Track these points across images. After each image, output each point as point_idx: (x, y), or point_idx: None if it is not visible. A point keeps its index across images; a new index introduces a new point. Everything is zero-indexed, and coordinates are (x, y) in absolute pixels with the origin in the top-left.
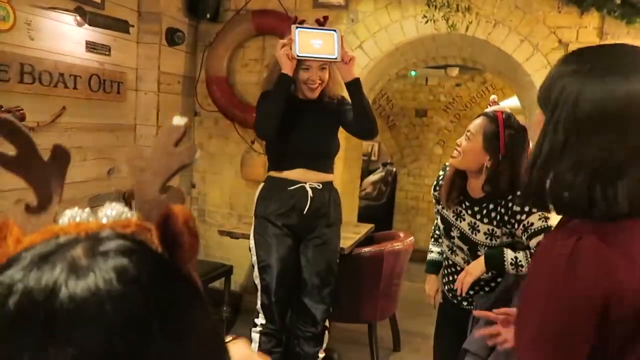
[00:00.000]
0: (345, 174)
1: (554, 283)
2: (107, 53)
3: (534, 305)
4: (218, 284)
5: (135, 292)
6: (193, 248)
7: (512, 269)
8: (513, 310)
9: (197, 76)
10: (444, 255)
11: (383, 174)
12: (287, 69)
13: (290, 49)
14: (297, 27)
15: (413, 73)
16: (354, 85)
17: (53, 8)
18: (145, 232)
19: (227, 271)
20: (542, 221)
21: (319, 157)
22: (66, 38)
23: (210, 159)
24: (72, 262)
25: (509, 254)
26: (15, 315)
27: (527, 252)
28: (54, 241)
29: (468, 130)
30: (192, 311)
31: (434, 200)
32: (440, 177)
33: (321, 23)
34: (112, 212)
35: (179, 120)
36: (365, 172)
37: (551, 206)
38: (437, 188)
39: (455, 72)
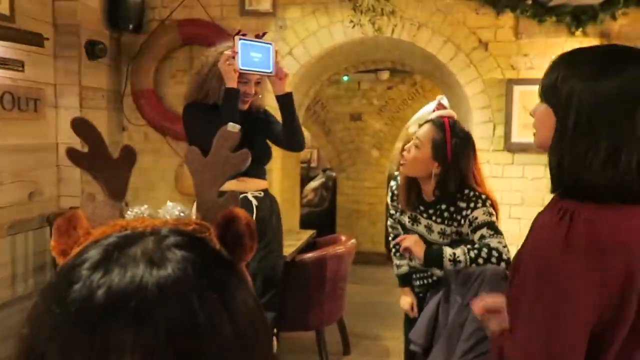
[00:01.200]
0: (285, 182)
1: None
2: (20, 69)
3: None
4: None
5: (207, 281)
6: (252, 249)
7: (451, 264)
8: (495, 300)
9: (123, 90)
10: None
11: (323, 179)
12: (232, 82)
13: (235, 61)
14: (240, 39)
15: (345, 78)
16: (287, 99)
17: None
18: (205, 230)
19: None
20: (486, 215)
21: (259, 164)
22: None
23: (142, 175)
24: (149, 254)
25: (447, 251)
26: (105, 305)
27: (466, 247)
28: (124, 234)
29: (417, 139)
30: (245, 295)
31: (392, 211)
32: (394, 187)
33: (260, 37)
34: (172, 210)
35: (232, 127)
36: (306, 179)
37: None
38: (395, 198)
39: (386, 75)
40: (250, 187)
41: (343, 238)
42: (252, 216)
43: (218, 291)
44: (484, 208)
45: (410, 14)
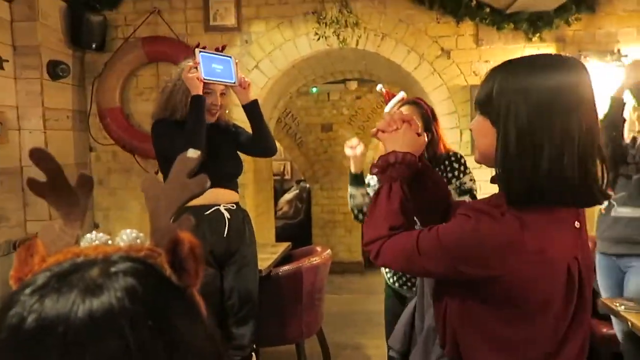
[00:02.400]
0: (258, 196)
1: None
2: None
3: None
4: None
5: (144, 309)
6: (197, 273)
7: None
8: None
9: (89, 109)
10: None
11: (297, 191)
12: (197, 90)
13: (197, 71)
14: (200, 51)
15: (314, 89)
16: (253, 106)
17: None
18: (156, 256)
19: None
20: (472, 182)
21: (229, 176)
22: None
23: (112, 195)
24: (88, 281)
25: None
26: (34, 331)
27: None
28: (73, 261)
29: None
30: (189, 322)
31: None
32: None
33: (219, 50)
34: (127, 237)
35: (192, 153)
36: (280, 191)
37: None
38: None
39: (354, 85)
40: (221, 200)
41: (319, 249)
42: (225, 228)
43: (155, 319)
44: (470, 174)
45: (373, 25)
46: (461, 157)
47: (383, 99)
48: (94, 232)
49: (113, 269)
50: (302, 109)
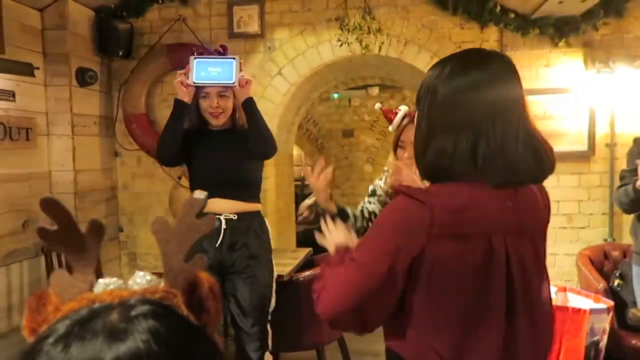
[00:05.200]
0: (279, 201)
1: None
2: (11, 98)
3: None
4: None
5: (169, 351)
6: (217, 312)
7: None
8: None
9: (115, 115)
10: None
11: None
12: (182, 95)
13: (187, 78)
14: (195, 58)
15: (336, 95)
16: (247, 103)
17: None
18: (172, 298)
19: None
20: None
21: (234, 185)
22: None
23: (136, 199)
24: (110, 326)
25: None
26: None
27: None
28: (90, 308)
29: (402, 142)
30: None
31: (377, 191)
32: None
33: (221, 52)
34: (141, 280)
35: (199, 194)
36: (301, 196)
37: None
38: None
39: (375, 91)
40: (227, 209)
41: None
42: (218, 239)
43: (182, 357)
44: None
45: (396, 31)
46: None
47: (384, 116)
48: (106, 277)
49: (133, 313)
50: (324, 114)
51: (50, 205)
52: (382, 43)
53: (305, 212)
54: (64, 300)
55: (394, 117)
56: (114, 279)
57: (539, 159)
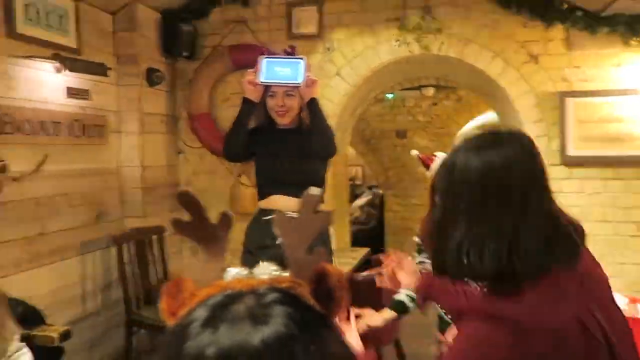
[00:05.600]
0: (334, 200)
1: None
2: (87, 97)
3: None
4: None
5: (306, 335)
6: (344, 302)
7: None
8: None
9: (179, 114)
10: None
11: (370, 197)
12: (249, 93)
13: (256, 77)
14: (264, 57)
15: (390, 96)
16: (311, 103)
17: (30, 57)
18: (297, 287)
19: None
20: None
21: (296, 184)
22: (45, 85)
23: (198, 195)
24: (252, 311)
25: None
26: None
27: None
28: (225, 294)
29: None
30: (338, 345)
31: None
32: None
33: (289, 53)
34: (267, 270)
35: (315, 191)
36: (351, 196)
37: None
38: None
39: (430, 91)
40: (290, 207)
41: None
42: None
43: (317, 344)
44: None
45: (456, 31)
46: None
47: (421, 162)
48: (235, 267)
49: (266, 299)
50: (377, 115)
51: (186, 199)
52: (442, 43)
53: (357, 212)
54: (198, 286)
55: (432, 163)
56: (242, 268)
57: (566, 237)
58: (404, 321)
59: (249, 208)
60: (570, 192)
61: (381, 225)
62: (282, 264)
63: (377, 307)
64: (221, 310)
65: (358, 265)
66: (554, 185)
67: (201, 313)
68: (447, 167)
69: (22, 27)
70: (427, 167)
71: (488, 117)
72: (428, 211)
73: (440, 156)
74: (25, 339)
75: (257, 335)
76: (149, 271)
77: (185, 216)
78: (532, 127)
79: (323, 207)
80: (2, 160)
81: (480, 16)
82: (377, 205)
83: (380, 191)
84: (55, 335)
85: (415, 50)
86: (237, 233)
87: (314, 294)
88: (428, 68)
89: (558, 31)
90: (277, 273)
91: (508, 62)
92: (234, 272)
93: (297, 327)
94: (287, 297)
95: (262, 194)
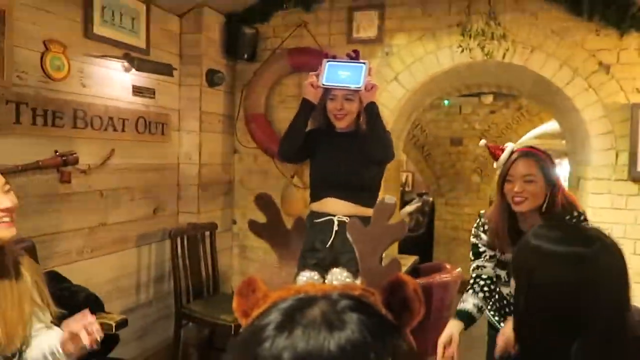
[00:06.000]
0: None
1: None
2: (152, 96)
3: None
4: None
5: (379, 343)
6: (420, 313)
7: None
8: None
9: (237, 114)
10: (491, 289)
11: (419, 204)
12: (309, 95)
13: (318, 79)
14: (327, 61)
15: (446, 102)
16: (369, 108)
17: (103, 56)
18: (370, 296)
19: None
20: None
21: (350, 188)
22: (115, 84)
23: (250, 194)
24: (326, 316)
25: None
26: None
27: None
28: (297, 298)
29: (529, 174)
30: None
31: (481, 249)
32: (482, 226)
33: (352, 57)
34: (340, 276)
35: (389, 199)
36: (400, 203)
37: None
38: (484, 236)
39: (489, 99)
40: (341, 211)
41: (448, 266)
42: (329, 239)
43: (392, 353)
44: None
45: (522, 38)
46: (584, 218)
47: (489, 152)
48: (307, 271)
49: (340, 306)
50: (432, 121)
51: (263, 201)
52: (507, 50)
53: (405, 219)
54: (271, 288)
55: (501, 154)
56: (314, 272)
57: None
58: None
59: (300, 210)
60: (638, 210)
61: (430, 233)
62: (328, 268)
63: (425, 314)
64: (296, 314)
65: (405, 273)
66: (621, 201)
67: (276, 316)
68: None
69: (98, 28)
70: (496, 158)
71: (549, 127)
72: (495, 205)
73: (510, 146)
74: (60, 319)
75: (333, 341)
76: (200, 267)
77: (261, 218)
78: (599, 140)
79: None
80: (74, 153)
81: (548, 23)
82: (427, 213)
83: (431, 199)
84: (113, 323)
85: (477, 57)
86: None
87: (387, 303)
88: (489, 75)
89: (633, 40)
90: (350, 280)
91: (576, 71)
92: (307, 276)
93: (371, 334)
94: (361, 305)
95: (315, 197)
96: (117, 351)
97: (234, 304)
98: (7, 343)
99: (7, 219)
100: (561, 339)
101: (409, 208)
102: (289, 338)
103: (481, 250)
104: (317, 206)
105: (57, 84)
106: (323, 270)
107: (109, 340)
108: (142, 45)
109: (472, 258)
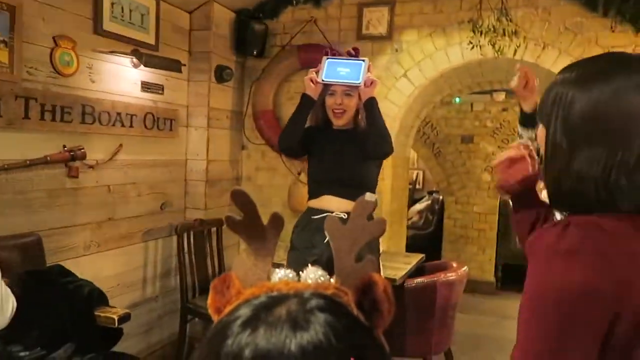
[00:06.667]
0: (393, 204)
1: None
2: (160, 92)
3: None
4: None
5: (345, 346)
6: (390, 314)
7: None
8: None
9: (245, 110)
10: None
11: (429, 202)
12: (309, 90)
13: (317, 75)
14: (327, 58)
15: (457, 99)
16: (369, 103)
17: (112, 52)
18: (343, 295)
19: None
20: None
21: (347, 185)
22: (123, 79)
23: (258, 191)
24: (292, 315)
25: None
26: None
27: None
28: (269, 295)
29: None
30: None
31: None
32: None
33: (352, 55)
34: (314, 274)
35: (370, 197)
36: (410, 200)
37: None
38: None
39: (501, 96)
40: (338, 208)
41: (454, 264)
42: (326, 236)
43: (357, 355)
44: None
45: (534, 34)
46: None
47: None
48: (282, 269)
49: (309, 305)
50: (443, 118)
51: (239, 197)
52: (518, 46)
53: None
54: (245, 285)
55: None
56: (289, 270)
57: None
58: (457, 330)
59: (306, 206)
60: None
61: (439, 232)
62: (327, 265)
63: (430, 313)
64: (263, 312)
65: (412, 271)
66: None
67: (244, 312)
68: (565, 99)
69: (107, 24)
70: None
71: None
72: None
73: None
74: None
75: (295, 341)
76: (206, 262)
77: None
78: None
79: (381, 210)
80: (82, 148)
81: (561, 19)
82: (436, 212)
83: (440, 197)
84: (115, 317)
85: (488, 54)
86: (290, 229)
87: (358, 304)
88: (500, 72)
89: None
90: (324, 278)
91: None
92: (281, 274)
93: (336, 336)
94: (330, 305)
95: (313, 193)
96: (122, 345)
97: (209, 300)
98: None
99: None
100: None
101: (418, 206)
102: (252, 335)
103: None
104: (315, 203)
105: (66, 80)
106: (323, 265)
107: (113, 335)
108: (152, 41)
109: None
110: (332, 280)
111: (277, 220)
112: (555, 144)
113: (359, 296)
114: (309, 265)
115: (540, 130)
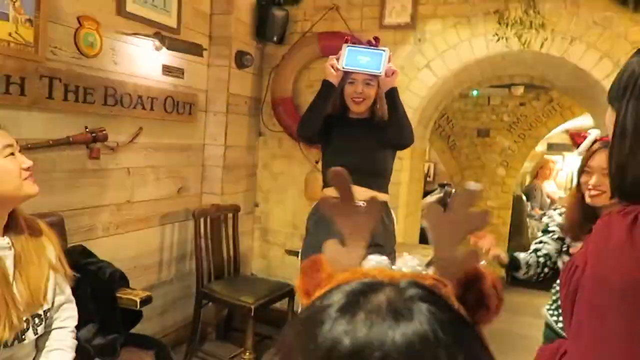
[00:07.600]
0: (409, 195)
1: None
2: (181, 76)
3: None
4: (280, 304)
5: (454, 340)
6: (497, 312)
7: None
8: None
9: (263, 97)
10: (544, 265)
11: (441, 195)
12: (331, 77)
13: (338, 62)
14: (348, 45)
15: (475, 92)
16: (390, 93)
17: (135, 34)
18: (442, 287)
19: (290, 291)
20: None
21: (365, 173)
22: (145, 62)
23: (274, 179)
24: (392, 304)
25: None
26: (351, 353)
27: None
28: (362, 282)
29: (604, 169)
30: (486, 358)
31: (550, 227)
32: (556, 209)
33: (372, 44)
34: (411, 263)
35: (474, 186)
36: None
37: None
38: (558, 218)
39: (520, 90)
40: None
41: None
42: None
43: (464, 351)
44: None
45: (562, 28)
46: None
47: (571, 139)
48: (376, 255)
49: (407, 294)
50: (459, 111)
51: (339, 178)
52: (545, 40)
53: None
54: (336, 269)
55: (582, 141)
56: (384, 257)
57: None
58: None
59: (322, 195)
60: None
61: None
62: None
63: None
64: (360, 298)
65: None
66: None
67: (339, 297)
68: None
69: (130, 6)
70: (578, 145)
71: (581, 122)
72: (572, 194)
73: (594, 133)
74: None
75: (399, 331)
76: (221, 247)
77: (334, 196)
78: None
79: (397, 201)
80: (103, 130)
81: (590, 13)
82: (448, 204)
83: (453, 190)
84: (137, 299)
85: (513, 46)
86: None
87: (460, 297)
88: (523, 65)
89: None
90: (420, 269)
91: (617, 64)
92: (375, 261)
93: (442, 328)
94: (431, 296)
95: (329, 181)
96: (138, 327)
97: (297, 282)
98: (32, 300)
99: (30, 176)
100: None
101: (430, 198)
102: (351, 322)
103: (550, 228)
104: (331, 191)
105: (90, 61)
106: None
107: (133, 316)
108: (174, 24)
109: (540, 235)
110: (429, 271)
111: (375, 206)
112: (625, 129)
113: (462, 290)
114: (404, 254)
115: (609, 114)
